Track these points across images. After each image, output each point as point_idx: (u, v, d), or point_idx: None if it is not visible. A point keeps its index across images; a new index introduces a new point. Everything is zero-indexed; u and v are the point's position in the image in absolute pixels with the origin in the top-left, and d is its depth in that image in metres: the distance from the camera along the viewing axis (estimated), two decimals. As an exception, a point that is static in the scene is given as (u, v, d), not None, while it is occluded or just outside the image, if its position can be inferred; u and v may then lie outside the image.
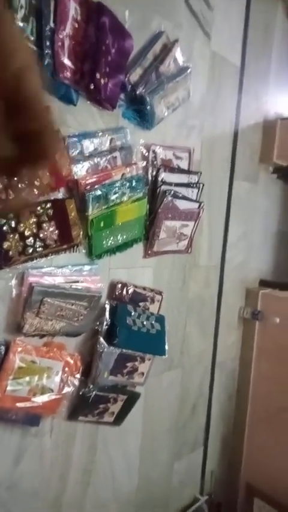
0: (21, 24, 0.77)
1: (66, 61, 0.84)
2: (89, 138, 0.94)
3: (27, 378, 0.88)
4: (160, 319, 1.12)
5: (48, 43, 0.81)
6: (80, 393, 1.01)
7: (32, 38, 0.79)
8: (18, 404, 0.88)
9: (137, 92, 1.01)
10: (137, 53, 1.04)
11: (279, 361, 1.59)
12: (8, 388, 0.86)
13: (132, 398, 1.13)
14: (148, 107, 1.02)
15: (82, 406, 1.03)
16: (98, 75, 0.88)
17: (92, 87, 0.88)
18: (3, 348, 0.86)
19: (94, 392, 1.03)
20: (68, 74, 0.85)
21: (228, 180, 1.50)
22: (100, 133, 0.97)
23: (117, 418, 1.14)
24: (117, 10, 0.94)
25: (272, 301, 1.62)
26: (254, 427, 1.68)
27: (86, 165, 0.94)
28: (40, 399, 0.91)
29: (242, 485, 1.68)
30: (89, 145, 0.94)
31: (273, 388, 1.61)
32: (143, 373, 1.11)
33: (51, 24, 0.81)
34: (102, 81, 0.89)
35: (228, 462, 1.75)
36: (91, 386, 1.02)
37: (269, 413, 1.63)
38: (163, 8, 1.12)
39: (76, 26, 0.86)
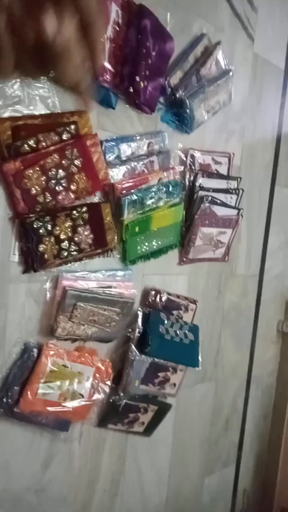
0: None
1: (106, 64, 0.84)
2: (126, 142, 0.93)
3: (58, 382, 0.88)
4: (194, 329, 1.09)
5: (88, 46, 0.80)
6: (110, 401, 0.99)
7: (73, 42, 0.80)
8: (49, 408, 0.88)
9: (177, 96, 0.99)
10: (178, 56, 1.02)
11: None
12: (39, 391, 0.86)
13: (163, 410, 1.10)
14: (188, 111, 1.00)
15: (112, 414, 1.01)
16: (137, 79, 0.87)
17: (131, 90, 0.87)
18: (35, 350, 0.86)
19: (124, 401, 1.01)
20: (108, 77, 0.85)
21: (269, 186, 1.44)
22: (138, 137, 0.96)
23: (147, 428, 1.11)
24: (158, 13, 0.93)
25: (314, 315, 1.53)
26: (290, 447, 1.59)
27: (123, 169, 0.93)
28: (70, 404, 0.90)
29: (277, 510, 1.60)
30: (126, 149, 0.93)
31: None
32: (175, 384, 1.08)
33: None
34: (141, 84, 0.88)
35: (262, 483, 1.67)
36: (121, 394, 1.00)
37: (307, 434, 1.54)
38: (205, 10, 1.10)
39: (117, 29, 0.86)
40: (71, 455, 1.00)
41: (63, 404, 0.89)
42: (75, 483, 1.02)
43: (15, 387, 0.84)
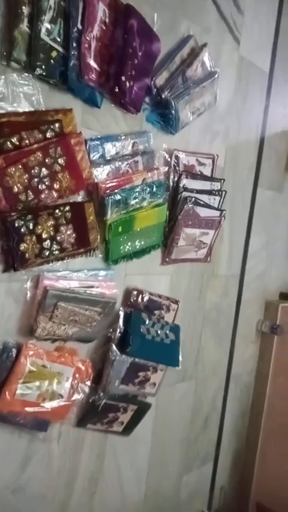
0: (49, 26, 0.76)
1: (92, 63, 0.83)
2: (111, 141, 0.93)
3: (37, 383, 0.87)
4: (175, 329, 1.10)
5: (74, 44, 0.80)
6: (90, 401, 0.99)
7: (59, 40, 0.78)
8: (27, 409, 0.87)
9: (163, 96, 0.99)
10: (164, 57, 1.02)
11: (297, 378, 1.53)
12: (18, 391, 0.85)
13: (142, 409, 1.10)
14: (173, 112, 1.00)
15: (91, 414, 1.01)
16: (123, 78, 0.86)
17: (116, 89, 0.87)
18: (14, 350, 0.85)
19: (104, 401, 1.01)
20: (94, 76, 0.84)
21: (251, 188, 1.46)
22: (123, 137, 0.95)
23: (126, 428, 1.11)
24: (145, 13, 0.92)
25: (292, 315, 1.56)
26: (267, 445, 1.62)
27: (107, 168, 0.92)
28: (49, 405, 0.90)
29: (252, 505, 1.63)
30: (110, 148, 0.93)
31: (289, 405, 1.56)
32: (155, 384, 1.09)
33: (79, 26, 0.80)
34: (127, 84, 0.88)
35: (239, 479, 1.70)
36: (101, 394, 1.00)
37: (283, 431, 1.57)
38: (192, 11, 1.10)
39: (104, 28, 0.85)
40: (50, 455, 0.99)
41: (42, 404, 0.88)
42: (53, 482, 1.02)
43: (-6, 387, 0.83)
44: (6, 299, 0.83)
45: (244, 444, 1.69)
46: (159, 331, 1.05)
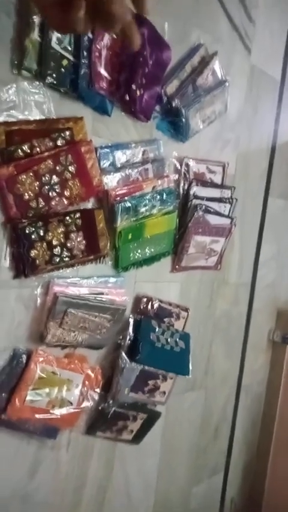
0: (59, 35, 0.77)
1: (103, 71, 0.84)
2: (121, 149, 0.93)
3: (47, 389, 0.87)
4: (185, 337, 1.09)
5: (85, 53, 0.81)
6: (99, 408, 0.99)
7: (70, 48, 0.80)
8: (37, 416, 0.87)
9: (173, 104, 0.99)
10: (175, 65, 1.02)
11: (310, 388, 1.50)
12: (28, 398, 0.85)
13: (152, 418, 1.09)
14: (183, 120, 1.01)
15: (100, 422, 1.01)
16: (134, 87, 0.87)
17: (127, 98, 0.87)
18: (24, 357, 0.85)
19: (113, 409, 1.00)
20: (104, 85, 0.85)
21: (262, 196, 1.45)
22: (133, 145, 0.96)
23: (136, 436, 1.10)
24: (156, 22, 0.93)
25: (304, 325, 1.54)
26: (278, 456, 1.59)
27: (117, 176, 0.93)
28: (59, 412, 0.90)
29: (264, 518, 1.59)
30: (121, 156, 0.93)
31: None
32: (164, 392, 1.08)
33: (89, 35, 0.81)
34: (138, 92, 0.89)
35: (250, 491, 1.66)
36: (111, 402, 0.99)
37: (295, 443, 1.54)
38: (203, 20, 1.10)
39: (114, 36, 0.86)
40: (58, 462, 0.99)
41: (51, 411, 0.88)
42: (61, 490, 1.01)
43: (3, 394, 0.83)
44: (17, 305, 0.84)
45: (255, 455, 1.66)
46: (169, 339, 1.05)
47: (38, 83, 0.78)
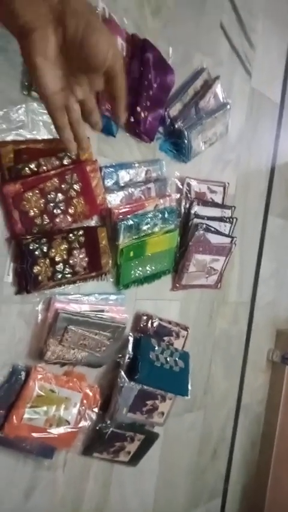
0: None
1: (109, 94, 0.86)
2: (125, 168, 0.95)
3: (45, 408, 0.86)
4: (184, 357, 1.08)
5: (92, 77, 0.83)
6: (97, 428, 0.97)
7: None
8: (34, 434, 0.86)
9: (176, 126, 1.01)
10: (178, 88, 1.05)
11: (309, 410, 1.49)
12: (25, 416, 0.84)
13: (150, 439, 1.08)
14: (185, 141, 1.03)
15: (98, 442, 0.99)
16: (138, 109, 0.89)
17: (132, 119, 0.89)
18: (23, 373, 0.84)
19: (111, 429, 0.99)
20: (110, 107, 0.87)
21: (262, 215, 1.47)
22: (136, 165, 0.97)
23: (133, 458, 1.08)
24: (161, 47, 0.96)
25: (304, 345, 1.53)
26: (278, 478, 1.56)
27: (121, 194, 0.94)
28: (56, 431, 0.88)
29: None
30: (124, 175, 0.95)
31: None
32: (163, 413, 1.06)
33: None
34: (142, 114, 0.91)
35: (249, 516, 1.62)
36: (108, 422, 0.98)
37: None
38: (206, 45, 1.14)
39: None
40: (55, 483, 0.97)
41: (48, 430, 0.87)
42: (58, 511, 0.99)
43: (1, 411, 0.82)
44: (18, 321, 0.84)
45: (254, 477, 1.63)
46: (168, 358, 1.04)
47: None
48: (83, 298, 0.92)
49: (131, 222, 0.94)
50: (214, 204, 1.19)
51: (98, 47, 0.50)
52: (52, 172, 0.80)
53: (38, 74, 0.50)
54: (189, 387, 1.07)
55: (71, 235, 0.85)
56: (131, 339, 1.00)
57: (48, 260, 0.83)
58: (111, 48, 0.51)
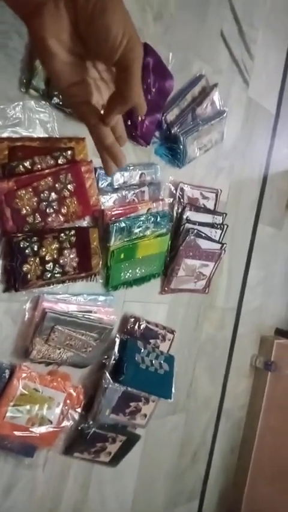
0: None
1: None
2: (119, 171, 0.95)
3: (28, 406, 0.86)
4: (169, 360, 1.09)
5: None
6: (79, 428, 0.97)
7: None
8: (16, 433, 0.85)
9: (172, 131, 1.02)
10: (176, 94, 1.06)
11: (289, 417, 1.51)
12: (8, 414, 0.83)
13: (131, 440, 1.08)
14: (181, 146, 1.04)
15: (79, 442, 0.99)
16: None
17: (129, 123, 0.90)
18: (8, 371, 0.84)
19: (93, 430, 0.99)
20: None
21: (252, 223, 1.48)
22: (131, 167, 0.98)
23: (114, 458, 1.08)
24: (161, 52, 0.97)
25: (287, 353, 1.56)
26: (255, 483, 1.58)
27: (114, 196, 0.94)
28: (38, 430, 0.88)
29: None
30: (119, 178, 0.95)
31: (280, 443, 1.53)
32: (145, 415, 1.07)
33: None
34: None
35: (225, 519, 1.64)
36: (91, 422, 0.98)
37: (273, 470, 1.54)
38: (205, 53, 1.15)
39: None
40: (34, 481, 0.96)
41: (30, 429, 0.87)
42: (36, 510, 0.99)
43: (-17, 408, 0.82)
44: (5, 319, 0.83)
45: (232, 481, 1.64)
46: (153, 361, 1.05)
47: (44, 102, 0.80)
48: (71, 298, 0.92)
49: (123, 225, 0.94)
50: (206, 210, 1.20)
51: (108, 30, 0.39)
52: (46, 171, 0.80)
53: (50, 60, 0.41)
54: (173, 390, 1.08)
55: (62, 234, 0.85)
56: (117, 341, 1.01)
57: (38, 259, 0.83)
58: (127, 32, 0.39)
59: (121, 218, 0.95)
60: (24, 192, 0.78)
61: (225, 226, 1.23)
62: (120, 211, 0.95)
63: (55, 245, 0.85)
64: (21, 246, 0.80)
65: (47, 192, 0.81)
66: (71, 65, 0.43)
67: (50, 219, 0.83)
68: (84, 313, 0.93)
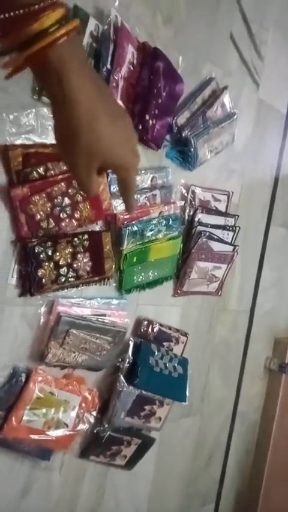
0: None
1: (119, 101, 0.87)
2: (131, 175, 0.96)
3: (44, 410, 0.87)
4: (183, 363, 1.09)
5: (103, 84, 0.84)
6: (95, 431, 0.98)
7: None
8: (32, 436, 0.86)
9: (183, 134, 1.02)
10: (187, 97, 1.06)
11: (305, 419, 1.49)
12: (24, 418, 0.84)
13: (146, 444, 1.08)
14: (192, 149, 1.04)
15: (95, 446, 0.99)
16: (147, 117, 0.90)
17: (140, 127, 0.90)
18: (24, 375, 0.85)
19: (108, 433, 0.99)
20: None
21: (264, 225, 1.47)
22: (142, 171, 0.98)
23: (129, 462, 1.09)
24: (171, 55, 0.97)
25: (301, 354, 1.54)
26: (271, 486, 1.56)
27: (126, 200, 0.95)
28: (54, 433, 0.89)
29: None
30: (131, 182, 0.96)
31: (295, 447, 1.51)
32: (160, 418, 1.07)
33: (108, 66, 0.85)
34: (150, 122, 0.92)
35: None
36: (106, 425, 0.98)
37: (288, 473, 1.52)
38: (215, 55, 1.15)
39: (131, 68, 0.90)
40: (50, 484, 0.97)
41: (47, 432, 0.88)
42: (52, 512, 1.00)
43: (0, 412, 0.82)
44: (21, 323, 0.84)
45: (247, 485, 1.63)
46: (167, 364, 1.05)
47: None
48: (85, 302, 0.93)
49: (135, 228, 0.95)
50: (218, 212, 1.19)
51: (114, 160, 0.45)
52: (59, 176, 0.81)
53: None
54: (187, 393, 1.08)
55: (75, 239, 0.86)
56: (131, 344, 1.01)
57: (52, 263, 0.84)
58: (128, 158, 0.47)
59: (133, 222, 0.95)
60: (38, 197, 0.79)
61: (238, 228, 1.22)
62: (132, 215, 0.95)
63: (69, 249, 0.86)
64: (36, 251, 0.81)
65: (60, 197, 0.82)
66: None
67: (63, 224, 0.84)
68: (98, 317, 0.93)
